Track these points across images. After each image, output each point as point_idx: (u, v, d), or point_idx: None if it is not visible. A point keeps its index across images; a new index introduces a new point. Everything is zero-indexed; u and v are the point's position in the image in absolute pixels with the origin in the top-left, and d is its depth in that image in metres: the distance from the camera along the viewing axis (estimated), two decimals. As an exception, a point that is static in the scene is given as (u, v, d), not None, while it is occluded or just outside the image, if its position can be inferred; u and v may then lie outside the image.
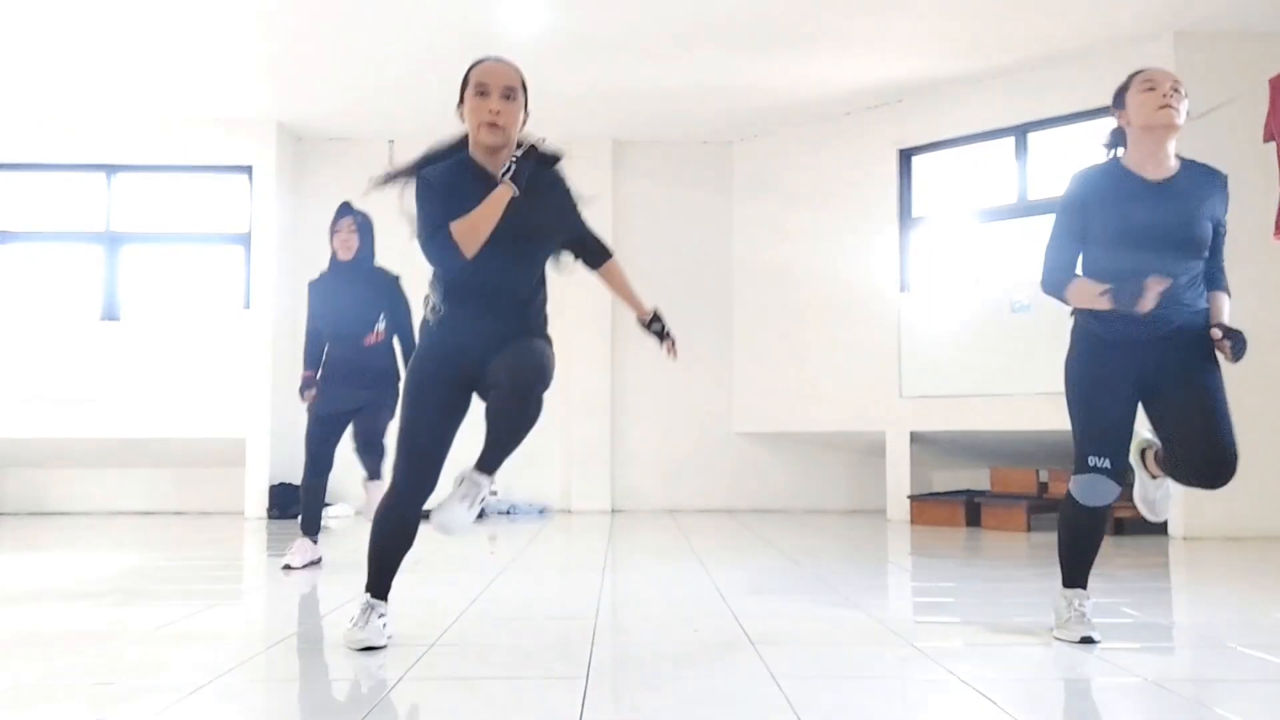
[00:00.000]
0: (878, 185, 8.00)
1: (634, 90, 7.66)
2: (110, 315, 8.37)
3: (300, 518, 5.02)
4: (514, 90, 2.96)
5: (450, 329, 2.99)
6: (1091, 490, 3.17)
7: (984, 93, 7.42)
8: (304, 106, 8.10)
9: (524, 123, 3.01)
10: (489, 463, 2.96)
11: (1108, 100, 7.71)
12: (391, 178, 3.07)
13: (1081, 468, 3.17)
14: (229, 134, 8.34)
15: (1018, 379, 7.07)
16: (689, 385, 8.75)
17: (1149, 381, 3.18)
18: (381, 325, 4.94)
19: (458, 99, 3.00)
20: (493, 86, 2.92)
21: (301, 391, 5.02)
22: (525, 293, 3.01)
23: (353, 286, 4.91)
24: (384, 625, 3.06)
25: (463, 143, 3.05)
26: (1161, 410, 3.19)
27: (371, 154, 8.83)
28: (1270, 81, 6.13)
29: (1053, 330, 6.88)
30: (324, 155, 8.83)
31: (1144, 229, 3.08)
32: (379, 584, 3.12)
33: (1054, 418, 6.82)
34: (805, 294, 8.38)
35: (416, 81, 7.52)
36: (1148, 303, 2.96)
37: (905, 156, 7.94)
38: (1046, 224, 7.78)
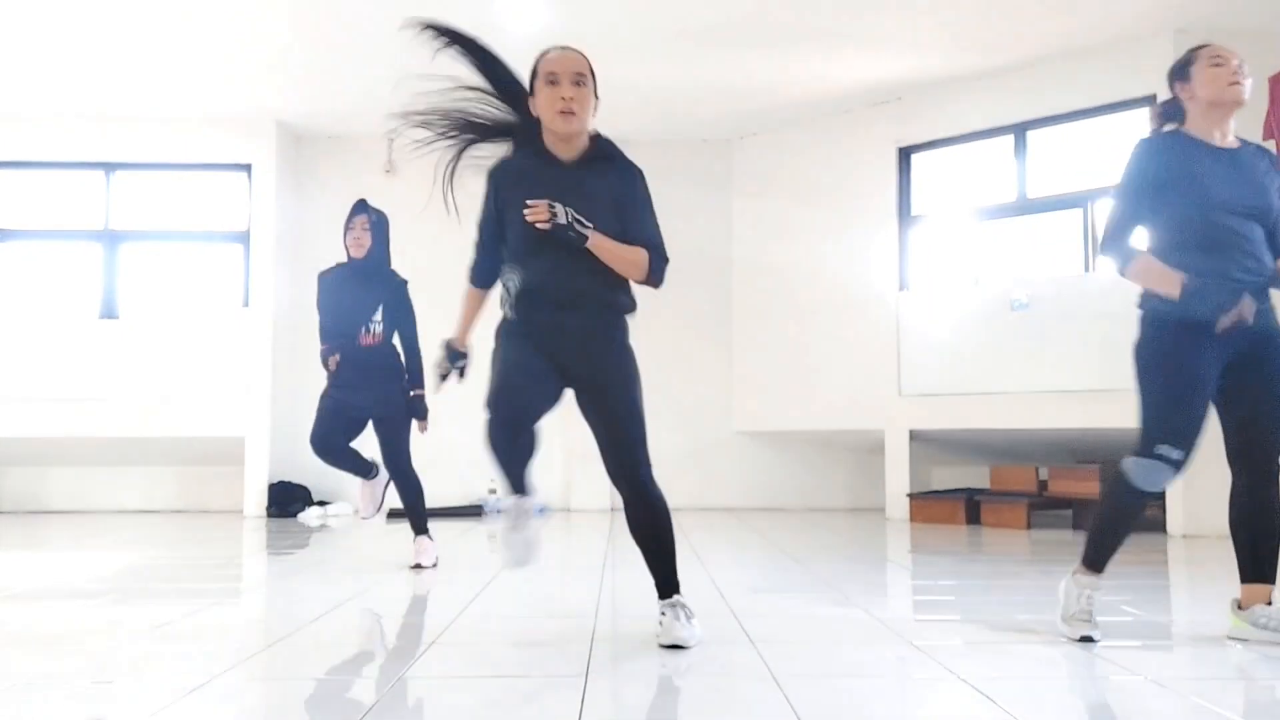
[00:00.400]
0: (877, 183, 8.00)
1: (633, 88, 7.66)
2: (109, 313, 8.37)
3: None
4: (584, 76, 3.04)
5: (526, 327, 3.02)
6: (1152, 476, 3.08)
7: (983, 91, 7.42)
8: (303, 104, 8.09)
9: (596, 109, 3.10)
10: (667, 581, 3.09)
11: (1108, 98, 7.72)
12: (441, 131, 3.23)
13: (1148, 453, 3.07)
14: (228, 132, 8.34)
15: (1017, 377, 7.07)
16: (689, 383, 8.75)
17: (1228, 364, 3.11)
18: (379, 327, 4.83)
19: (528, 90, 3.08)
20: (562, 74, 3.01)
21: (324, 361, 4.90)
22: (595, 283, 3.02)
23: (355, 285, 4.87)
24: (535, 511, 3.11)
25: (536, 131, 3.08)
26: (1234, 392, 3.13)
27: (371, 151, 8.84)
28: (1270, 80, 6.13)
29: (1051, 328, 6.93)
30: (323, 153, 8.82)
31: (1221, 197, 3.06)
32: (516, 484, 3.10)
33: (1054, 415, 6.87)
34: (805, 292, 8.37)
35: (416, 79, 7.51)
36: (1226, 322, 2.97)
37: (904, 154, 7.94)
38: (1047, 222, 7.77)
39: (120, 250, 8.43)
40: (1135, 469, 3.09)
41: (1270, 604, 3.09)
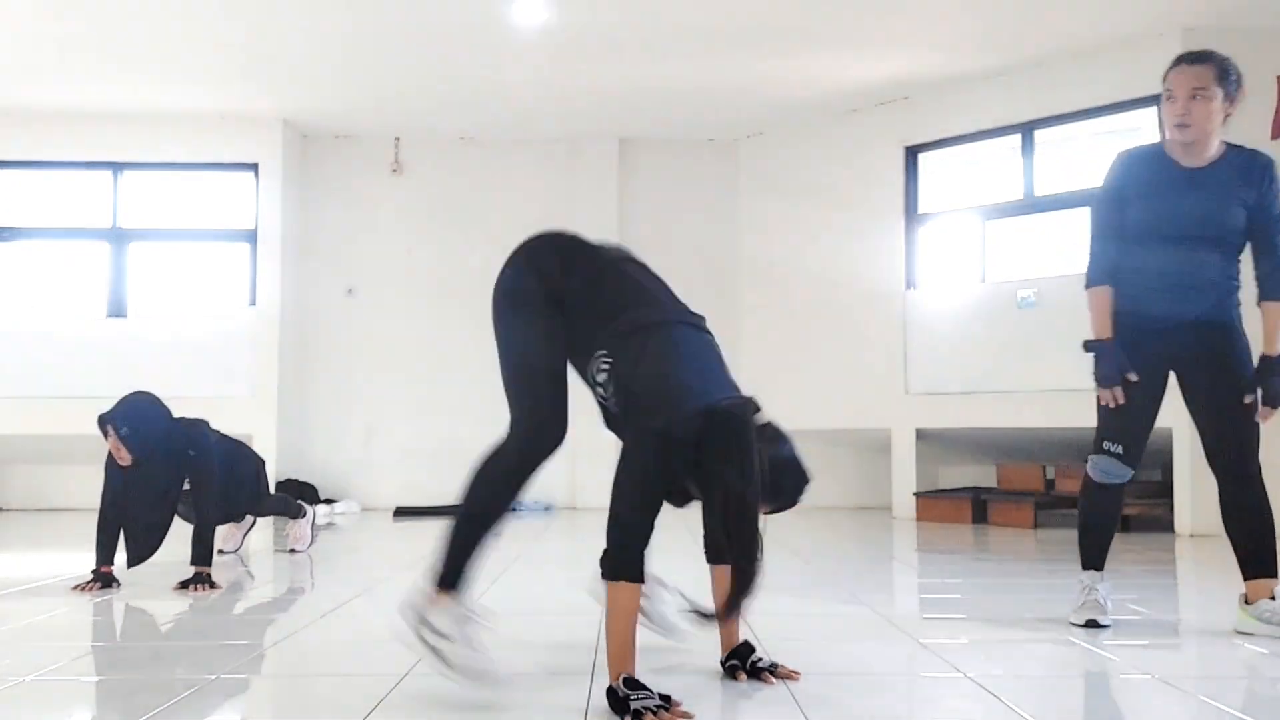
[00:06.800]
0: (884, 182, 7.99)
1: (640, 88, 7.66)
2: (117, 312, 8.39)
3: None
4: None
5: None
6: (1104, 469, 3.31)
7: (990, 90, 7.41)
8: (310, 104, 8.11)
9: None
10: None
11: (1115, 96, 7.70)
12: None
13: (1097, 450, 3.30)
14: (235, 131, 8.35)
15: (1024, 375, 7.06)
16: (695, 382, 8.75)
17: (1181, 373, 3.30)
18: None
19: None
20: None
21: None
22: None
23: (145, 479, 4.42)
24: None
25: None
26: (1193, 398, 3.31)
27: (377, 151, 8.86)
28: (1278, 78, 6.11)
29: (1059, 326, 6.91)
30: (330, 153, 8.84)
31: (1169, 222, 3.20)
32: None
33: (1061, 414, 6.85)
34: (811, 291, 8.37)
35: (422, 80, 7.53)
36: (1101, 391, 3.24)
37: (911, 153, 7.92)
38: (1054, 220, 7.76)
39: (128, 249, 8.45)
40: (1092, 465, 3.32)
41: (1274, 598, 3.14)
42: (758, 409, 2.41)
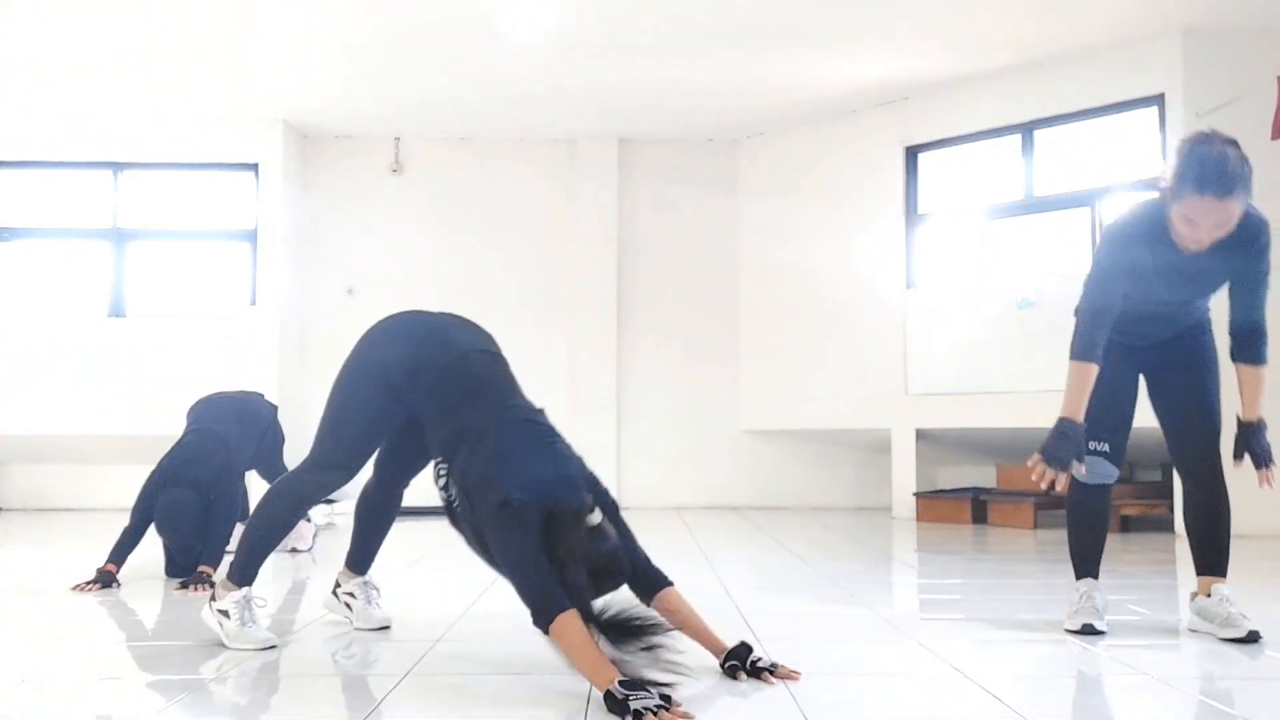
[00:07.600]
0: (884, 182, 7.99)
1: (639, 88, 7.66)
2: (117, 312, 8.38)
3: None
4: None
5: None
6: (1092, 470, 3.30)
7: (991, 90, 7.41)
8: (310, 104, 8.10)
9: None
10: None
11: (1115, 96, 7.66)
12: None
13: (1084, 450, 3.28)
14: (235, 131, 8.35)
15: (1024, 376, 7.06)
16: (695, 382, 8.76)
17: (1150, 374, 3.38)
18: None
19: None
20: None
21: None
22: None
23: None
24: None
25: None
26: (1160, 402, 3.38)
27: (377, 151, 8.86)
28: (1278, 79, 6.12)
29: (1059, 327, 6.91)
30: (330, 153, 8.84)
31: (1161, 297, 3.23)
32: None
33: (1060, 415, 6.85)
34: (811, 291, 8.37)
35: (422, 80, 7.53)
36: (1038, 472, 3.20)
37: (911, 154, 7.93)
38: (1054, 221, 7.72)
39: (128, 249, 8.45)
40: (1075, 467, 3.28)
41: (1210, 595, 3.23)
42: (591, 508, 2.56)
